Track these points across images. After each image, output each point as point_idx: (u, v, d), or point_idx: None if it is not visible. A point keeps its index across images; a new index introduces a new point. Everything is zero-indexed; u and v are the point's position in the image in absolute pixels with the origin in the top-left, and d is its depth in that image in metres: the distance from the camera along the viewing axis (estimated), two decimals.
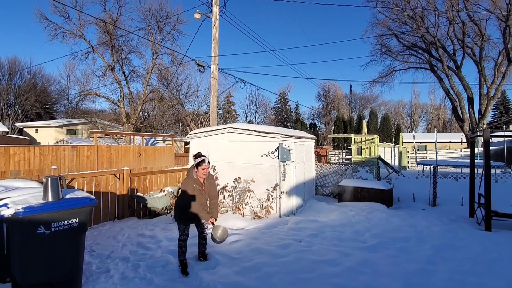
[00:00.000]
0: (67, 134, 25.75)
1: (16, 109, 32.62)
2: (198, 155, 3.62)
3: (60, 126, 25.49)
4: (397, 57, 23.74)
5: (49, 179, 2.79)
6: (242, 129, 6.06)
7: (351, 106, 47.59)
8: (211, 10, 9.66)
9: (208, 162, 3.61)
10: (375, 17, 22.71)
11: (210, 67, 9.67)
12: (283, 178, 5.78)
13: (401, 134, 21.25)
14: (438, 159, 15.53)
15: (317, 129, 44.62)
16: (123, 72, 21.81)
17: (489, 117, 22.35)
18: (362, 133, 18.30)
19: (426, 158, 19.68)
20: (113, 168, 10.66)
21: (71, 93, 36.62)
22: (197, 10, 9.72)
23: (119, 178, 5.97)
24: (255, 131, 5.91)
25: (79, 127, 26.85)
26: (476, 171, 6.50)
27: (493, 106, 23.30)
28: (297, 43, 65.68)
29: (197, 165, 3.55)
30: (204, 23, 10.25)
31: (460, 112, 21.03)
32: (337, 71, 68.75)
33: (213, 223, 3.57)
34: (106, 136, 22.38)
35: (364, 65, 35.87)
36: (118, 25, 20.19)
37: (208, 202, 3.71)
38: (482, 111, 19.82)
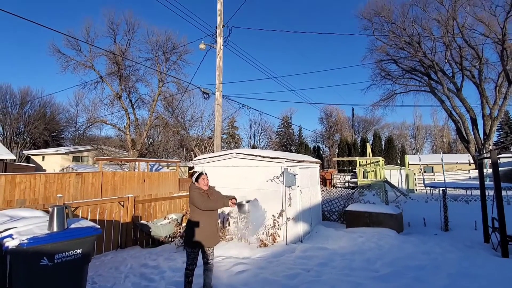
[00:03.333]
0: (73, 161, 25.99)
1: (25, 137, 33.31)
2: (193, 173, 3.74)
3: (67, 154, 25.81)
4: (397, 81, 24.17)
5: (55, 208, 2.79)
6: (247, 154, 6.08)
7: (354, 129, 47.75)
8: (216, 41, 10.10)
9: (206, 174, 3.71)
10: (373, 43, 23.46)
11: (215, 94, 9.93)
12: (288, 203, 5.69)
13: (407, 156, 21.08)
14: (446, 181, 15.25)
15: (321, 152, 44.51)
16: (130, 100, 22.46)
17: (494, 137, 22.20)
18: (366, 156, 18.18)
19: (434, 180, 19.34)
20: (117, 195, 10.63)
21: (79, 121, 37.55)
22: (202, 41, 10.17)
23: (123, 206, 5.93)
24: (260, 156, 5.93)
25: (85, 153, 27.17)
26: (486, 193, 6.34)
27: (497, 126, 23.22)
28: (299, 69, 67.63)
29: (196, 179, 3.63)
30: (208, 52, 10.69)
31: (464, 133, 20.94)
32: (339, 94, 69.93)
33: (235, 203, 3.64)
34: (111, 163, 22.55)
35: (365, 89, 36.45)
36: (127, 56, 21.13)
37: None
38: (487, 132, 19.73)
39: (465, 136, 20.85)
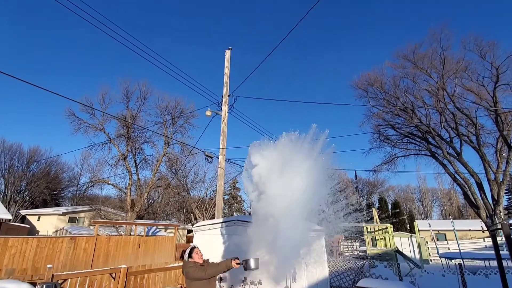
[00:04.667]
0: (69, 222, 25.15)
1: (25, 196, 32.94)
2: (184, 252, 3.54)
3: (63, 214, 25.14)
4: (396, 145, 24.52)
5: (43, 287, 2.61)
6: (249, 222, 5.88)
7: (358, 191, 46.88)
8: (221, 109, 10.81)
9: (197, 247, 3.56)
10: (369, 110, 24.58)
11: (218, 158, 10.15)
12: (293, 279, 5.26)
13: (416, 222, 20.17)
14: (461, 250, 14.26)
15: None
16: (135, 161, 22.81)
17: (504, 201, 21.47)
18: (373, 222, 17.43)
19: (448, 249, 18.11)
20: (109, 262, 9.97)
21: (82, 180, 37.56)
22: (209, 109, 10.90)
23: (114, 278, 5.51)
24: None
25: (82, 214, 26.44)
26: (505, 263, 5.87)
27: (505, 190, 22.58)
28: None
29: (190, 255, 3.44)
30: (214, 118, 11.33)
31: (472, 198, 20.28)
32: (340, 156, 70.96)
33: (239, 263, 3.30)
34: (107, 225, 21.75)
35: (365, 152, 37.00)
36: (137, 120, 22.31)
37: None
38: (495, 197, 19.17)
39: (474, 201, 20.17)
